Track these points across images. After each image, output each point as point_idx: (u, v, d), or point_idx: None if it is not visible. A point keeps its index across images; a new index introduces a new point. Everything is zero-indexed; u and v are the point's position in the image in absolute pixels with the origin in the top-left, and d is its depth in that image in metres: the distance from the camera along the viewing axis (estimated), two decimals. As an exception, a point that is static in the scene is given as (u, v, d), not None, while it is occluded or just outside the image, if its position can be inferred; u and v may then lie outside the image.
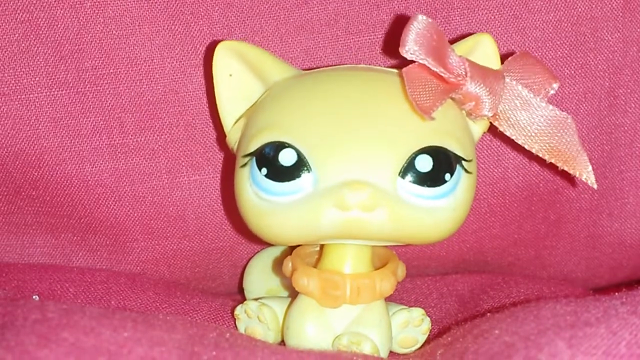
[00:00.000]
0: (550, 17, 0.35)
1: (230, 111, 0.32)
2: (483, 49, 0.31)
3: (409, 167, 0.29)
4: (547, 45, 0.36)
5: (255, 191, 0.29)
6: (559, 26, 0.35)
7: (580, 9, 0.35)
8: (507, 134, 0.31)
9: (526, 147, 0.31)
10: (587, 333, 0.24)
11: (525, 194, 0.38)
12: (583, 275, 0.41)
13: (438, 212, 0.29)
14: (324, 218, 0.28)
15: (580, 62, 0.36)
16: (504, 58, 0.31)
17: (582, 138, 0.37)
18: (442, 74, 0.29)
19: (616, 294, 0.28)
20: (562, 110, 0.31)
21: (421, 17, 0.28)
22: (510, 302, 0.34)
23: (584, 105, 0.37)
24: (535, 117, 0.31)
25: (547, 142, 0.31)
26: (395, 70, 0.31)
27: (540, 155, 0.31)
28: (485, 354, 0.25)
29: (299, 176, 0.29)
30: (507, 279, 0.38)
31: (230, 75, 0.31)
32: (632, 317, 0.24)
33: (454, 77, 0.29)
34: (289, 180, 0.29)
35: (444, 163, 0.29)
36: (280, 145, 0.29)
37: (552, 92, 0.31)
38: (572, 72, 0.36)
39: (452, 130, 0.30)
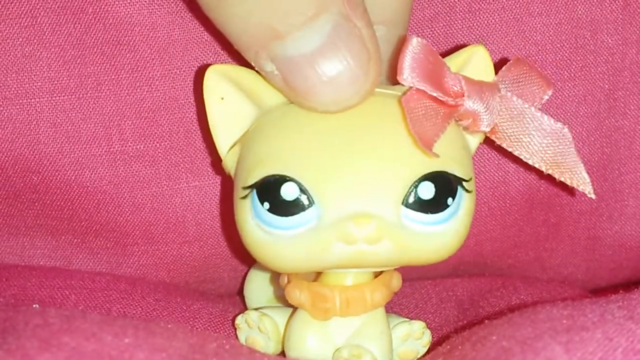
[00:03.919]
0: (551, 20, 0.35)
1: (224, 136, 0.31)
2: (477, 62, 0.31)
3: (411, 195, 0.28)
4: (547, 48, 0.36)
5: (258, 224, 0.29)
6: (559, 29, 0.35)
7: (580, 12, 0.35)
8: (504, 146, 0.31)
9: (523, 158, 0.31)
10: (583, 338, 0.24)
11: (525, 198, 0.38)
12: (583, 277, 0.41)
13: (442, 235, 0.29)
14: (330, 252, 0.28)
15: (580, 65, 0.36)
16: (497, 66, 0.31)
17: (581, 141, 0.37)
18: (440, 98, 0.28)
19: (613, 296, 0.28)
20: (561, 114, 0.31)
21: (416, 41, 0.28)
22: (510, 307, 0.34)
23: (583, 107, 0.37)
24: (531, 128, 0.30)
25: (543, 154, 0.30)
26: (393, 92, 0.30)
27: (537, 167, 0.31)
28: (483, 359, 0.25)
29: (303, 210, 0.28)
30: (507, 284, 0.38)
31: (222, 99, 0.31)
32: (629, 323, 0.24)
33: (452, 99, 0.29)
34: (292, 214, 0.28)
35: (446, 188, 0.29)
36: (281, 179, 0.28)
37: (545, 98, 0.31)
38: (572, 74, 0.36)
39: (451, 151, 0.29)
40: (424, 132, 0.28)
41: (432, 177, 0.28)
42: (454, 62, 0.30)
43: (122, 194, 0.36)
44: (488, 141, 0.31)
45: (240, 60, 0.30)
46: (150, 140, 0.36)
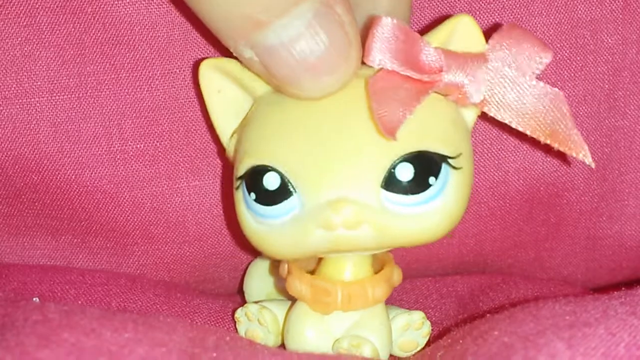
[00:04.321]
0: (551, 20, 0.35)
1: (225, 126, 0.32)
2: (463, 32, 0.30)
3: (389, 178, 0.28)
4: (547, 47, 0.36)
5: (251, 214, 0.30)
6: (559, 29, 0.36)
7: (580, 12, 0.35)
8: (499, 118, 0.30)
9: (520, 128, 0.30)
10: (586, 333, 0.24)
11: (525, 198, 0.38)
12: (583, 277, 0.41)
13: (427, 216, 0.28)
14: (312, 239, 0.28)
15: (580, 65, 0.36)
16: (488, 33, 0.30)
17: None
18: (414, 77, 0.28)
19: (615, 293, 0.27)
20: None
21: (384, 20, 0.28)
22: (510, 302, 0.34)
23: (583, 107, 0.37)
24: (525, 96, 0.29)
25: (541, 121, 0.29)
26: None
27: (535, 137, 0.30)
28: (484, 355, 0.25)
29: (285, 198, 0.29)
30: (507, 280, 0.38)
31: (219, 91, 0.31)
32: (631, 318, 0.24)
33: (428, 75, 0.28)
34: (275, 203, 0.29)
35: (426, 167, 0.28)
36: (264, 169, 0.29)
37: (544, 61, 0.30)
38: (572, 74, 0.36)
39: (434, 128, 0.29)
40: (387, 116, 0.27)
41: (410, 157, 0.28)
42: (437, 36, 0.30)
43: (122, 194, 0.36)
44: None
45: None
46: (150, 140, 0.36)
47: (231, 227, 0.37)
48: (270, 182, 0.29)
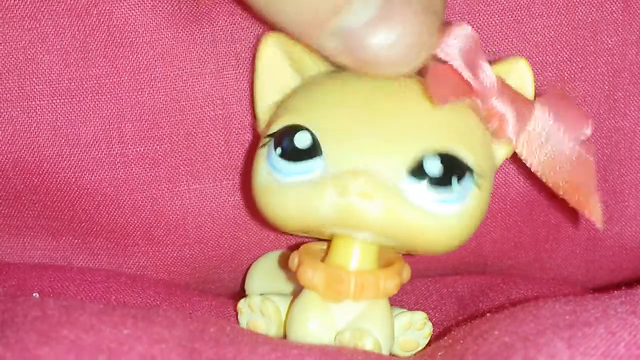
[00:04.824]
0: (551, 22, 0.35)
1: (265, 98, 0.33)
2: (518, 74, 0.31)
3: (417, 167, 0.29)
4: (547, 49, 0.36)
5: (268, 170, 0.30)
6: (559, 30, 0.36)
7: (580, 13, 0.35)
8: (527, 163, 0.31)
9: (542, 179, 0.31)
10: (586, 333, 0.24)
11: (526, 200, 0.38)
12: (583, 278, 0.41)
13: (438, 218, 0.29)
14: (323, 200, 0.29)
15: (580, 66, 0.36)
16: (538, 91, 0.32)
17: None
18: (469, 79, 0.29)
19: (615, 292, 0.27)
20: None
21: (465, 25, 0.29)
22: (510, 302, 0.34)
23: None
24: (558, 153, 0.30)
25: (564, 180, 0.31)
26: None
27: (553, 189, 0.31)
28: (485, 354, 0.25)
29: (310, 158, 0.29)
30: (507, 280, 0.38)
31: (272, 67, 0.33)
32: (631, 317, 0.24)
33: (480, 86, 0.29)
34: (299, 161, 0.30)
35: (453, 170, 0.29)
36: (298, 128, 0.30)
37: (583, 136, 0.31)
38: (572, 75, 0.36)
39: (468, 141, 0.30)
40: (438, 88, 0.29)
41: (442, 155, 0.29)
42: (494, 69, 0.31)
43: (122, 196, 0.36)
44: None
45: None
46: (151, 143, 0.36)
47: (255, 217, 0.37)
48: (301, 140, 0.30)
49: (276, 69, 0.33)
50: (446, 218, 0.29)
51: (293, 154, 0.30)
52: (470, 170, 0.29)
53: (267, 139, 0.31)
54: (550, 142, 0.30)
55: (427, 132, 0.29)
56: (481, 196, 0.30)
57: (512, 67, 0.31)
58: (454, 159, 0.29)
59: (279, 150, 0.30)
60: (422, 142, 0.29)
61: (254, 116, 0.34)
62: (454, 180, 0.29)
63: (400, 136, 0.29)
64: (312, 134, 0.29)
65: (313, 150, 0.29)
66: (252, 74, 0.33)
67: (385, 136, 0.29)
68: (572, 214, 0.39)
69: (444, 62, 0.29)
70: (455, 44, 0.29)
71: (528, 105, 0.30)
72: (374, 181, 0.28)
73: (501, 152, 0.32)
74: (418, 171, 0.29)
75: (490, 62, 0.31)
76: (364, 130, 0.29)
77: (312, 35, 0.29)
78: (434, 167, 0.29)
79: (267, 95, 0.33)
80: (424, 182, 0.29)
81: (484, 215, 0.31)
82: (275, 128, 0.31)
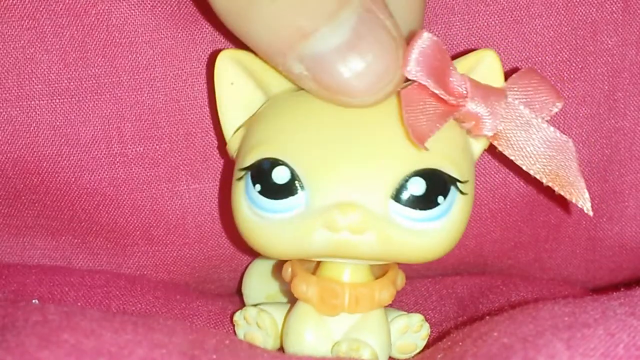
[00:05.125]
0: (551, 22, 0.35)
1: (230, 120, 0.32)
2: (486, 65, 0.31)
3: (401, 189, 0.28)
4: (547, 49, 0.36)
5: (249, 206, 0.29)
6: (559, 30, 0.36)
7: (580, 13, 0.35)
8: (506, 153, 0.30)
9: (524, 168, 0.30)
10: (585, 334, 0.24)
11: (526, 200, 0.38)
12: (583, 278, 0.41)
13: (430, 234, 0.29)
14: (314, 238, 0.28)
15: (580, 66, 0.36)
16: (508, 74, 0.31)
17: (581, 142, 0.37)
18: (442, 96, 0.28)
19: (614, 294, 0.28)
20: (561, 115, 0.30)
21: (426, 35, 0.28)
22: (509, 304, 0.34)
23: (583, 108, 0.37)
24: (535, 138, 0.30)
25: (545, 165, 0.30)
26: None
27: (538, 178, 0.30)
28: (484, 356, 0.25)
29: (292, 194, 0.28)
30: (507, 281, 0.38)
31: (232, 83, 0.31)
32: (630, 319, 0.24)
33: (454, 98, 0.29)
34: (281, 198, 0.28)
35: (437, 186, 0.29)
36: (275, 163, 0.29)
37: (555, 110, 0.31)
38: (572, 75, 0.36)
39: (448, 151, 0.29)
40: (417, 125, 0.28)
41: (424, 173, 0.28)
42: (462, 64, 0.30)
43: (121, 196, 0.36)
44: (490, 148, 0.31)
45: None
46: (150, 143, 0.36)
47: (229, 229, 0.37)
48: (280, 175, 0.29)
49: (237, 87, 0.31)
50: (436, 232, 0.29)
51: (273, 191, 0.29)
52: (455, 181, 0.29)
53: (243, 172, 0.30)
54: (524, 127, 0.30)
55: (407, 151, 0.28)
56: (466, 200, 0.30)
57: (480, 58, 0.31)
58: (438, 174, 0.29)
59: (257, 187, 0.29)
60: (403, 164, 0.28)
61: (221, 140, 0.33)
62: (440, 199, 0.29)
63: (380, 160, 0.28)
64: (290, 168, 0.28)
65: (294, 186, 0.28)
66: (212, 95, 0.32)
67: (366, 162, 0.28)
68: (572, 213, 0.39)
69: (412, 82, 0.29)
70: (420, 60, 0.28)
71: (500, 97, 0.29)
72: (362, 213, 0.28)
73: (478, 146, 0.31)
74: (403, 194, 0.28)
75: (458, 56, 0.31)
76: (343, 158, 0.28)
77: (279, 59, 0.28)
78: (419, 188, 0.28)
79: (232, 115, 0.32)
80: (411, 204, 0.28)
81: (470, 213, 0.30)
82: (249, 161, 0.29)
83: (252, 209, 0.29)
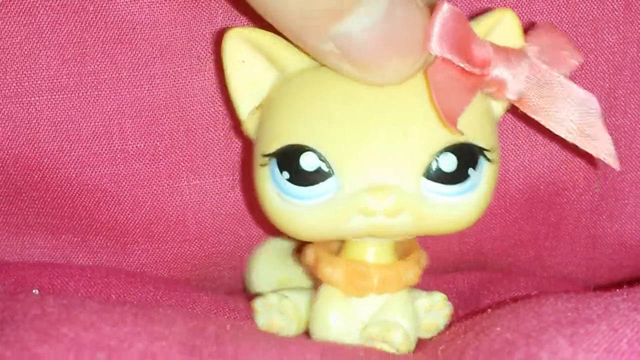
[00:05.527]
0: (552, 19, 0.35)
1: (244, 98, 0.31)
2: (505, 26, 0.30)
3: (432, 167, 0.28)
4: (548, 47, 0.36)
5: (278, 192, 0.29)
6: (559, 27, 0.35)
7: (581, 10, 0.35)
8: (529, 113, 0.30)
9: (548, 127, 0.30)
10: (588, 330, 0.24)
11: (525, 197, 0.38)
12: (583, 276, 0.41)
13: (463, 205, 0.29)
14: (349, 224, 0.28)
15: (581, 64, 0.36)
16: (525, 30, 0.31)
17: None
18: (467, 69, 0.28)
19: (617, 290, 0.28)
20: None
21: (446, 7, 0.28)
22: (511, 297, 0.34)
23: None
24: (558, 97, 0.30)
25: (570, 123, 0.30)
26: None
27: (563, 136, 0.30)
28: (486, 350, 0.25)
29: (322, 180, 0.28)
30: (508, 275, 0.38)
31: (243, 61, 0.31)
32: (634, 314, 0.24)
33: (478, 69, 0.28)
34: (311, 184, 0.28)
35: (467, 159, 0.29)
36: (301, 149, 0.28)
37: (575, 65, 0.30)
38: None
39: (474, 121, 0.29)
40: (448, 107, 0.28)
41: (454, 148, 0.28)
42: (480, 26, 0.30)
43: (122, 192, 0.36)
44: (513, 109, 0.31)
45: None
46: (151, 139, 0.35)
47: (254, 213, 0.37)
48: (308, 162, 0.28)
49: (247, 64, 0.31)
50: (468, 202, 0.29)
51: (302, 178, 0.28)
52: (483, 151, 0.29)
53: (267, 159, 0.29)
54: (548, 87, 0.30)
55: (433, 127, 0.28)
56: (494, 167, 0.30)
57: (498, 18, 0.30)
58: (467, 147, 0.29)
59: (285, 174, 0.29)
60: (432, 141, 0.28)
61: (236, 119, 0.32)
62: (470, 171, 0.29)
63: (409, 139, 0.28)
64: (317, 154, 0.28)
65: (323, 172, 0.28)
66: (223, 76, 0.31)
67: (395, 143, 0.28)
68: (572, 211, 0.39)
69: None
70: (442, 35, 0.28)
71: (522, 59, 0.29)
72: (396, 196, 0.28)
73: (499, 107, 0.31)
74: (435, 172, 0.28)
75: (475, 17, 0.31)
76: (370, 140, 0.28)
77: (308, 39, 0.28)
78: (450, 163, 0.28)
79: (245, 93, 0.31)
80: (443, 179, 0.28)
81: (497, 177, 0.31)
82: (274, 147, 0.29)
83: (280, 196, 0.29)
